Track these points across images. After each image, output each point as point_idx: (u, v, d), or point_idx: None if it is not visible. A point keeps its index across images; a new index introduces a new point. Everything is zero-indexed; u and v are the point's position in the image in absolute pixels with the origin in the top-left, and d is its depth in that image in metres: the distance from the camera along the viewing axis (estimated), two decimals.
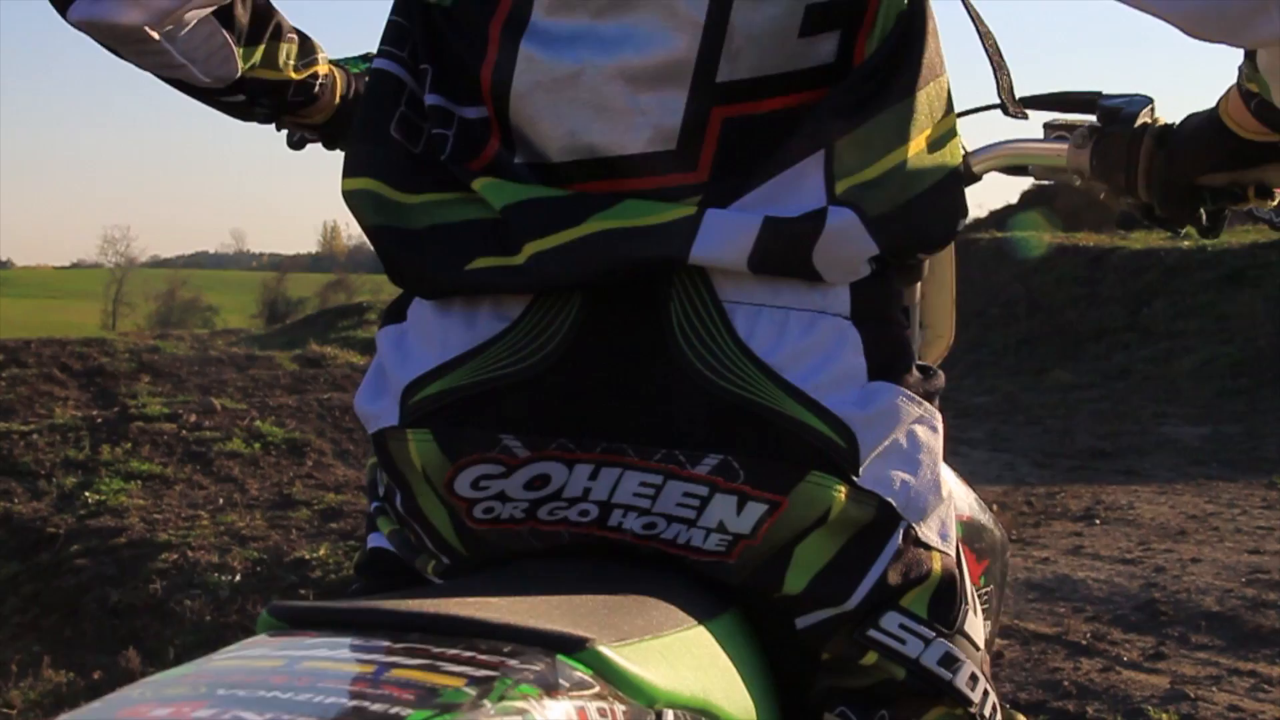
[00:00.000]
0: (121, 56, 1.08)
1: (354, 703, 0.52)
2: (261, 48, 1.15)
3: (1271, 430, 7.62)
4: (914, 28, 0.94)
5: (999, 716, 0.98)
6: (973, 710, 0.95)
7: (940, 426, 1.02)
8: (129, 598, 4.33)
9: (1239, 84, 0.99)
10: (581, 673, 0.62)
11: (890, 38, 0.93)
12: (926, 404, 0.99)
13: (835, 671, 0.94)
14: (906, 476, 0.94)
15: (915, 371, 0.98)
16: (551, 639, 0.63)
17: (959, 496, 1.25)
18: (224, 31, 1.09)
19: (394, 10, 0.99)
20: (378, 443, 0.96)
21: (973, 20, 1.09)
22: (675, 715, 0.70)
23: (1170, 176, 1.14)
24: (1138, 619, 3.78)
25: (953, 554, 0.97)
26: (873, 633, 0.91)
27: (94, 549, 4.81)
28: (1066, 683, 3.23)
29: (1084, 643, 3.55)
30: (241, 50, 1.12)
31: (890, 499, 0.92)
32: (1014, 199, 27.13)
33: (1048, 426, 8.24)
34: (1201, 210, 1.16)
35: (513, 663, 0.60)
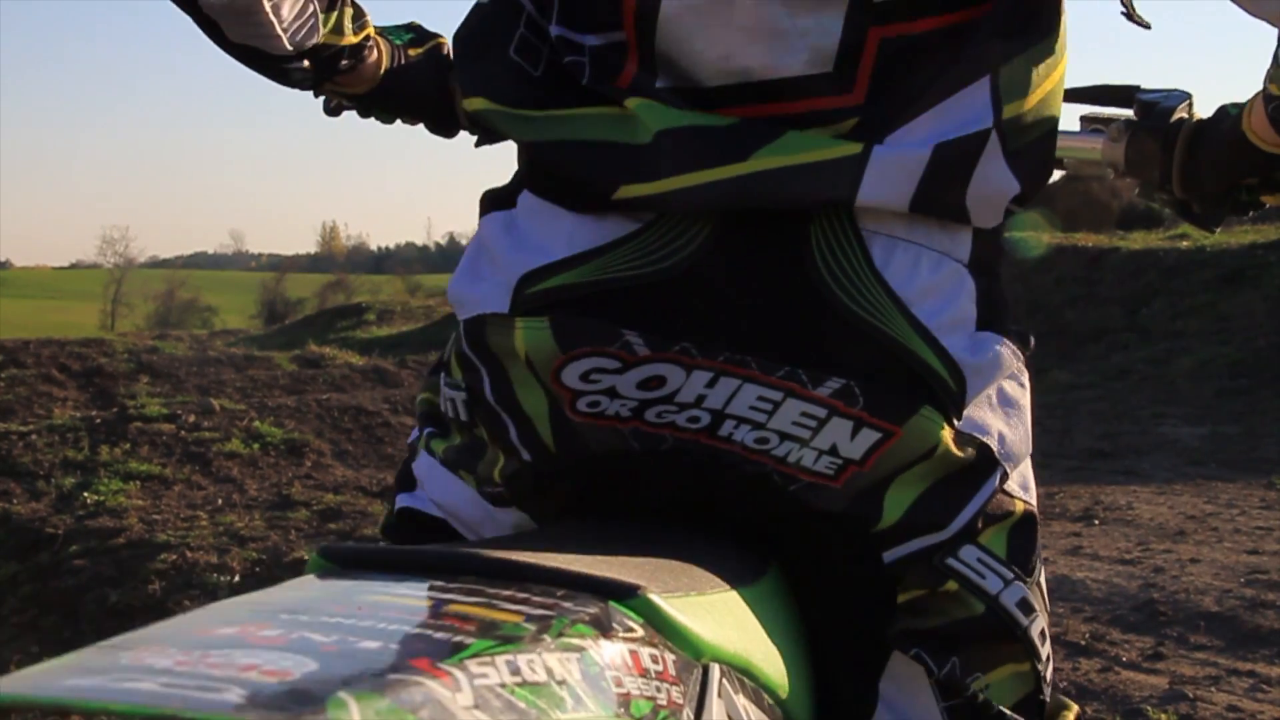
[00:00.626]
0: (217, 28, 1.07)
1: (417, 630, 0.52)
2: (335, 14, 1.15)
3: (1270, 430, 7.62)
4: None
5: (1050, 691, 1.01)
6: (1040, 668, 0.97)
7: (1029, 385, 1.03)
8: (128, 598, 4.33)
9: (1264, 88, 0.99)
10: (633, 620, 0.63)
11: None
12: (1021, 362, 1.00)
13: (911, 613, 0.94)
14: (1003, 427, 0.95)
15: (1013, 330, 0.99)
16: (604, 585, 0.63)
17: None
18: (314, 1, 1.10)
19: None
20: (473, 328, 0.96)
21: None
22: (720, 670, 0.71)
23: (1202, 177, 1.14)
24: (1136, 619, 3.78)
25: (1034, 505, 0.99)
26: (953, 561, 0.93)
27: (93, 549, 4.81)
28: (1065, 683, 3.23)
29: (1083, 643, 3.55)
30: (322, 17, 1.13)
31: (989, 443, 0.93)
32: None
33: (1047, 427, 8.23)
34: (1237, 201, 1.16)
35: (567, 605, 0.60)
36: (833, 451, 0.89)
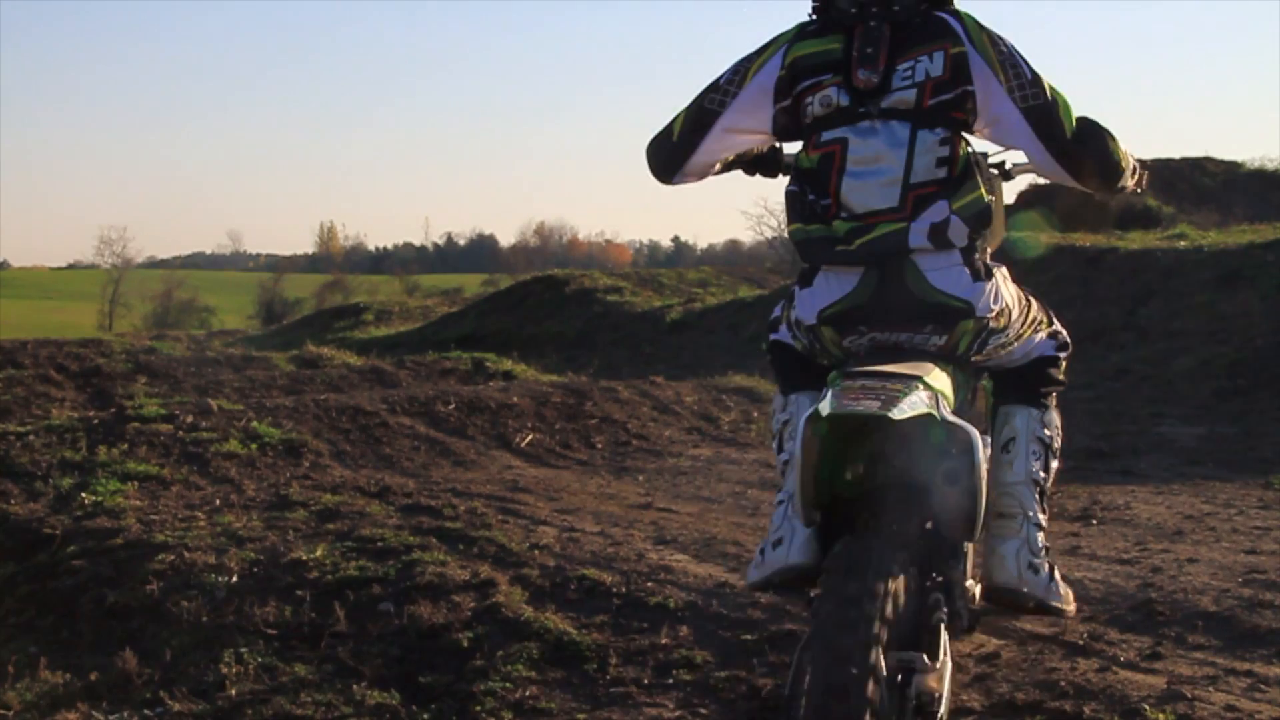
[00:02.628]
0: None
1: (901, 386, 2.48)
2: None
3: (1268, 430, 7.63)
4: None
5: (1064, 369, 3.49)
6: (1055, 372, 3.51)
7: (1008, 280, 2.98)
8: (125, 598, 4.32)
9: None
10: (922, 385, 2.50)
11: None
12: (999, 283, 2.88)
13: (1018, 374, 3.31)
14: (993, 305, 2.85)
15: (991, 269, 2.89)
16: (913, 375, 2.53)
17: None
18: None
19: (793, 172, 3.00)
20: (802, 326, 2.93)
21: None
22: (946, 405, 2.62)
23: None
24: (1134, 619, 3.78)
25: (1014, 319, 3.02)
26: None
27: (90, 550, 4.80)
28: (1063, 683, 3.23)
29: (1081, 643, 3.55)
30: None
31: (990, 316, 2.85)
32: (1011, 199, 27.20)
33: None
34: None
35: (909, 382, 2.49)
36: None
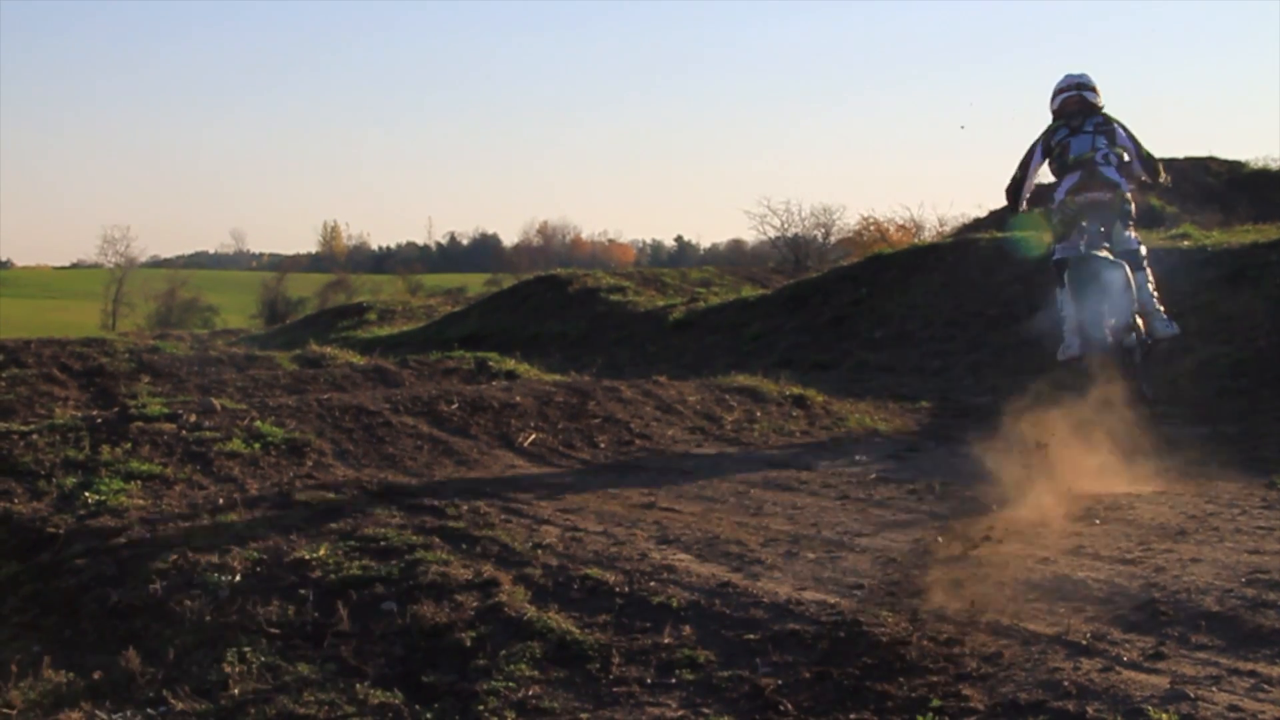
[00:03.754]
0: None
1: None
2: None
3: (1271, 430, 7.62)
4: None
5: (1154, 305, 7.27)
6: (1143, 263, 7.21)
7: (1140, 241, 7.35)
8: (129, 598, 4.33)
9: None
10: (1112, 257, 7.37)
11: None
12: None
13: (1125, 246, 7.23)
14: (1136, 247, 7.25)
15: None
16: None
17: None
18: None
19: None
20: (1060, 202, 7.34)
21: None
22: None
23: None
24: (1138, 619, 3.78)
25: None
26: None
27: (94, 549, 4.81)
28: (1066, 682, 3.23)
29: (1084, 642, 3.55)
30: None
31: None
32: None
33: None
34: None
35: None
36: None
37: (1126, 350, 7.07)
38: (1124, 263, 6.88)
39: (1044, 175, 7.57)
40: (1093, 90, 7.46)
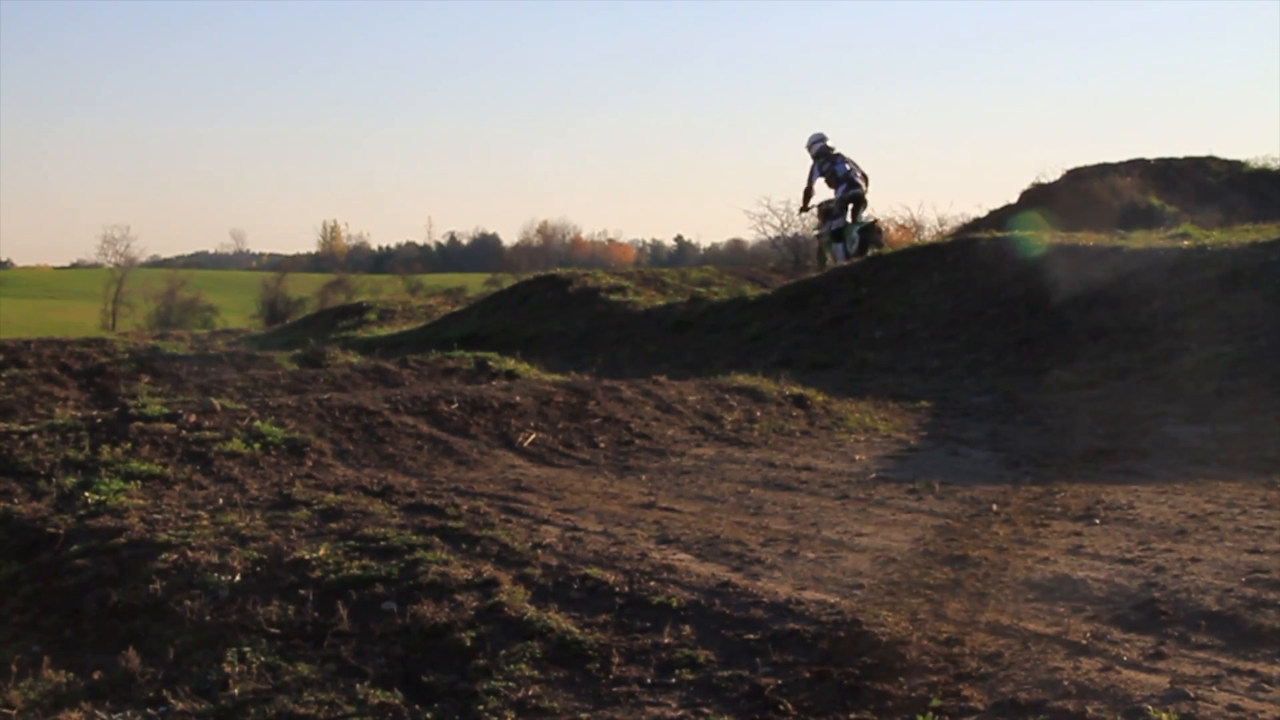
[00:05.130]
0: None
1: None
2: None
3: (1271, 430, 7.61)
4: None
5: None
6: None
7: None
8: (129, 598, 4.33)
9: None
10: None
11: None
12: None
13: None
14: None
15: None
16: None
17: None
18: None
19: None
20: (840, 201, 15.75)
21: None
22: None
23: None
24: (1137, 618, 3.78)
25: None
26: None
27: (94, 549, 4.81)
28: (1066, 682, 3.23)
29: (1084, 642, 3.55)
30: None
31: None
32: (1014, 198, 27.17)
33: (1047, 426, 8.23)
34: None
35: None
36: None
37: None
38: (857, 227, 15.26)
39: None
40: (826, 139, 15.42)
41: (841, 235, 14.99)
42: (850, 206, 15.05)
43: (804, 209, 15.70)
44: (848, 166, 14.98)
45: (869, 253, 14.56)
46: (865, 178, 15.01)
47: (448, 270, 73.80)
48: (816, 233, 16.54)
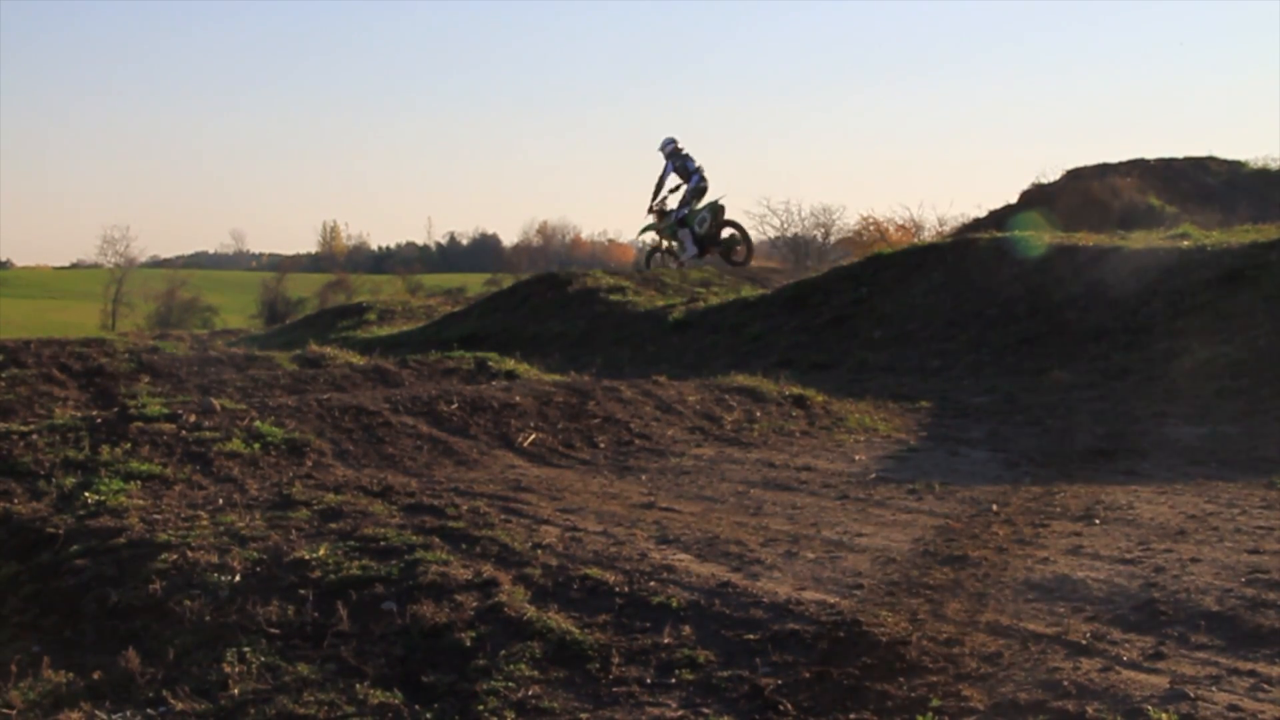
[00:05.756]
0: None
1: None
2: None
3: (1271, 430, 7.62)
4: None
5: None
6: None
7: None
8: (128, 598, 4.33)
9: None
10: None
11: None
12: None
13: None
14: None
15: None
16: None
17: None
18: None
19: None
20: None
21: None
22: None
23: None
24: (1137, 619, 3.78)
25: None
26: None
27: (93, 549, 4.81)
28: (1066, 682, 3.23)
29: (1084, 642, 3.55)
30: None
31: None
32: (1014, 199, 27.18)
33: (1047, 426, 8.23)
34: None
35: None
36: None
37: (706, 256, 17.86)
38: (707, 207, 17.38)
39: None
40: (677, 141, 17.55)
41: (687, 221, 17.39)
42: (698, 197, 17.45)
43: (653, 202, 17.62)
44: (696, 164, 17.39)
45: (723, 232, 17.30)
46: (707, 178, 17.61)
47: (447, 270, 73.79)
48: (644, 237, 19.65)
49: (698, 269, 18.76)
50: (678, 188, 17.58)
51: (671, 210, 17.74)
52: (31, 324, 35.68)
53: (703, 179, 17.40)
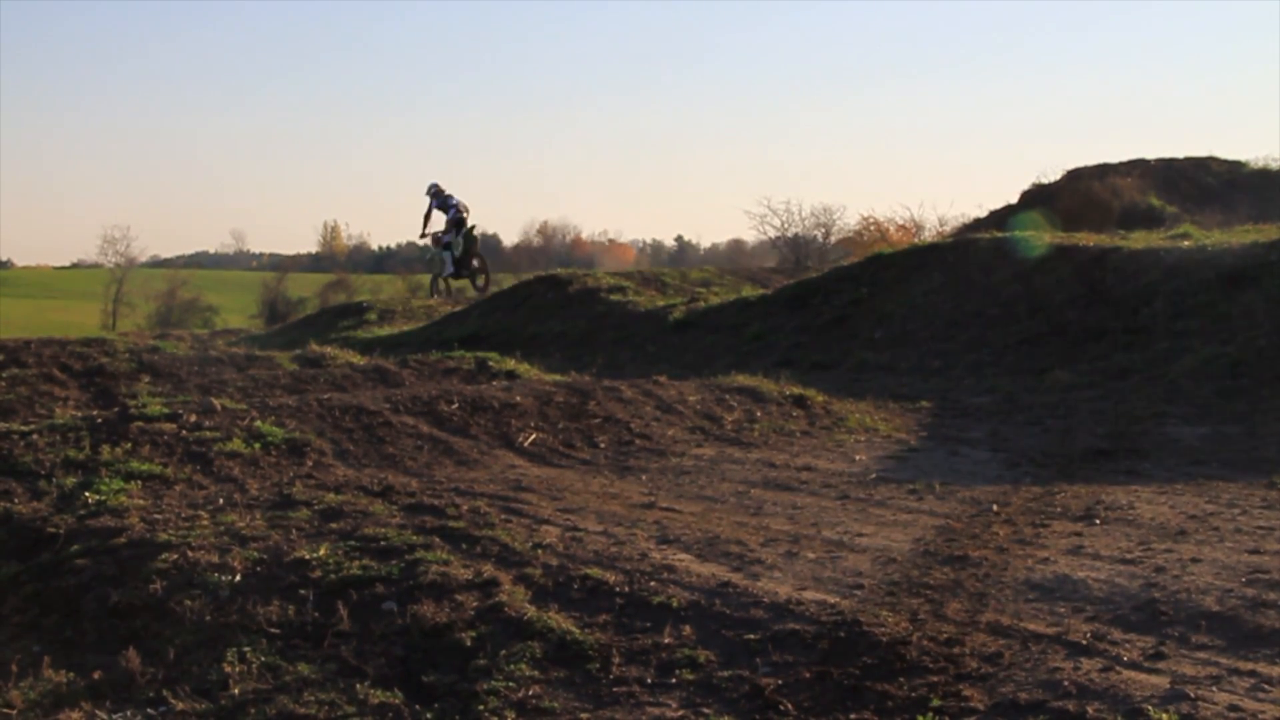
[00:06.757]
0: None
1: None
2: None
3: (1271, 430, 7.62)
4: None
5: None
6: None
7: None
8: (129, 597, 4.33)
9: None
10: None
11: None
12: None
13: None
14: None
15: None
16: None
17: None
18: None
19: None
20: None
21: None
22: None
23: None
24: (1138, 619, 3.78)
25: None
26: None
27: (94, 549, 4.81)
28: (1066, 682, 3.23)
29: (1084, 642, 3.55)
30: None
31: None
32: (1014, 199, 27.17)
33: (1047, 426, 8.23)
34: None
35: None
36: None
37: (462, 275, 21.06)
38: (461, 235, 20.56)
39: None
40: (439, 184, 20.84)
41: (450, 246, 20.81)
42: (457, 227, 20.69)
43: (422, 235, 21.36)
44: (455, 201, 20.95)
45: (473, 259, 20.73)
46: (467, 208, 20.84)
47: None
48: (432, 268, 23.15)
49: (698, 270, 18.79)
50: (445, 219, 21.40)
51: (442, 236, 21.30)
52: (32, 324, 35.69)
53: (460, 211, 20.97)
